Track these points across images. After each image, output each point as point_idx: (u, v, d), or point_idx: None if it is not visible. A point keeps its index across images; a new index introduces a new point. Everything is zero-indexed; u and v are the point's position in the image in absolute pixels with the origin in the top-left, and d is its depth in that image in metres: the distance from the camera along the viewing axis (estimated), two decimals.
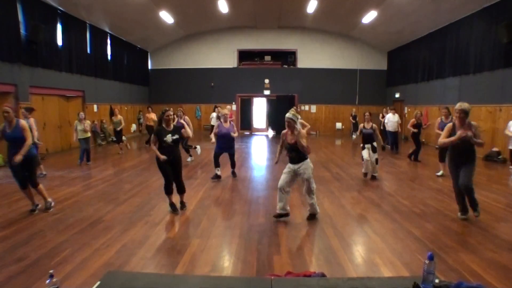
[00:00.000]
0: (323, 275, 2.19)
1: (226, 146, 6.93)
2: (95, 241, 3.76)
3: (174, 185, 4.83)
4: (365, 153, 6.97)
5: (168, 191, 4.79)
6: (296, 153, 4.36)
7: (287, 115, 4.31)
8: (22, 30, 8.93)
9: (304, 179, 4.40)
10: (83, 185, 6.46)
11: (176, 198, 4.94)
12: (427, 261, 1.62)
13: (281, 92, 17.87)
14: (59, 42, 10.69)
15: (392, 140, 11.20)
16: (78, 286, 2.81)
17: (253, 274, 3.08)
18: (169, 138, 4.55)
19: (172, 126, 4.70)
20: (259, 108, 19.14)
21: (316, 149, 12.15)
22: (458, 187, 4.43)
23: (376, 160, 6.98)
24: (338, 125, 18.13)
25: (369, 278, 2.05)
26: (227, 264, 3.30)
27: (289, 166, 4.50)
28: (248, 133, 18.67)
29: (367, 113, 7.16)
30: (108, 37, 13.90)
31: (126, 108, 15.56)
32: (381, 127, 11.15)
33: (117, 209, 4.97)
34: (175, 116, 9.14)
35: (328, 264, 3.26)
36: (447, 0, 10.58)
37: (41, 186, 4.81)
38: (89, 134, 8.58)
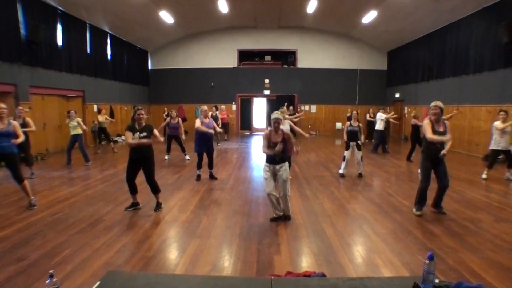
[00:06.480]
0: (323, 275, 2.19)
1: (205, 144, 6.78)
2: (95, 241, 3.76)
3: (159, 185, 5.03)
4: (348, 153, 7.21)
5: (130, 190, 4.90)
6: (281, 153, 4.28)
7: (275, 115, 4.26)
8: (22, 30, 8.92)
9: (283, 180, 4.29)
10: (83, 185, 6.46)
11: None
12: (427, 261, 1.62)
13: (281, 92, 17.86)
14: (59, 42, 10.68)
15: (376, 138, 11.05)
16: (78, 286, 2.81)
17: (253, 274, 3.07)
18: (137, 136, 4.63)
19: (143, 124, 4.76)
20: (259, 108, 19.16)
21: (316, 149, 12.17)
22: (427, 184, 4.64)
23: (361, 157, 7.24)
24: (338, 125, 18.12)
25: (369, 278, 2.05)
26: (227, 264, 3.29)
27: (268, 166, 4.34)
28: (248, 133, 18.68)
29: (354, 112, 7.47)
30: (108, 37, 13.89)
31: (126, 108, 15.55)
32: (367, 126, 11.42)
33: (117, 209, 4.98)
34: (172, 114, 9.33)
35: (328, 264, 3.26)
36: (447, 0, 10.59)
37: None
38: (80, 131, 8.37)
